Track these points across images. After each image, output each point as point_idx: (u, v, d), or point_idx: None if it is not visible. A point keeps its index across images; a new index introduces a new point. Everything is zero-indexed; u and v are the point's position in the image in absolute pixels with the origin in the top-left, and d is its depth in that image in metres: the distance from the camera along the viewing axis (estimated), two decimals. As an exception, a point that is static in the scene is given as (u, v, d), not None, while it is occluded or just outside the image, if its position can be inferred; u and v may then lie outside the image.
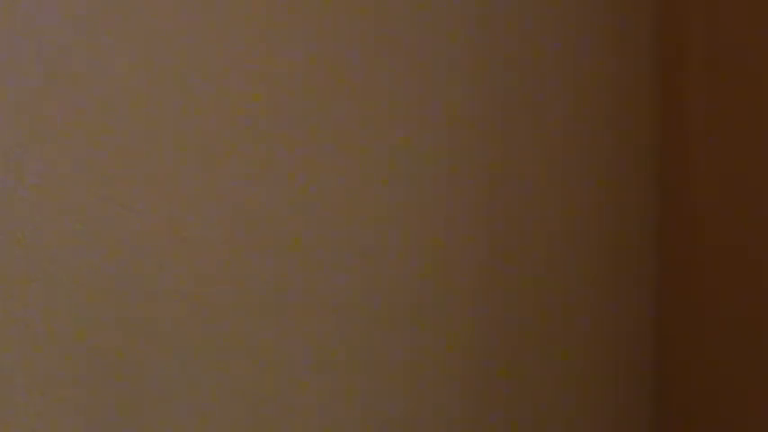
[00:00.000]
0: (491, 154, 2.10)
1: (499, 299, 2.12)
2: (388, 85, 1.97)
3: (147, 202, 1.71)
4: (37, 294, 1.61)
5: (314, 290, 1.89)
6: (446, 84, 2.04)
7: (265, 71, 1.82)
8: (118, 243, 1.68)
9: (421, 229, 2.01)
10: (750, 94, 2.22)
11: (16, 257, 1.59)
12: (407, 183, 1.99)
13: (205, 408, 1.77)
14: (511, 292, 2.14)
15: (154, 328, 1.71)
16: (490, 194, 2.10)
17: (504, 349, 2.13)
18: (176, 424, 1.74)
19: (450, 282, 2.05)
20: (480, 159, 2.08)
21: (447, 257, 2.05)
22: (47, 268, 1.61)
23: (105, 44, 1.66)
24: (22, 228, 1.59)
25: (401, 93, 1.98)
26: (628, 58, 2.31)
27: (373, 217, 1.95)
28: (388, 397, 1.98)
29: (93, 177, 1.65)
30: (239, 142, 1.80)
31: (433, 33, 2.02)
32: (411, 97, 2.00)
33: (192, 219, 1.75)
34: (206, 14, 1.76)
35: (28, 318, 1.60)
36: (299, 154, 1.86)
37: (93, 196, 1.66)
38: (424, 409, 2.02)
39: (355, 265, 1.93)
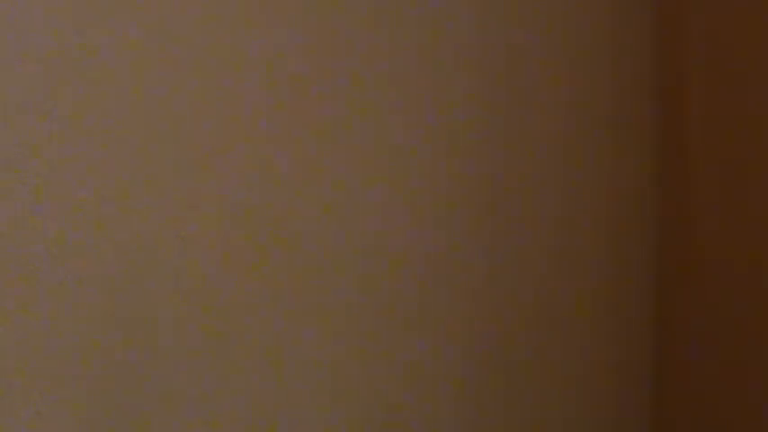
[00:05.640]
0: (492, 154, 2.10)
1: (499, 299, 2.12)
2: (389, 85, 1.97)
3: (147, 202, 1.71)
4: (37, 294, 1.61)
5: (314, 289, 1.89)
6: (447, 85, 2.04)
7: (265, 72, 1.82)
8: (118, 243, 1.68)
9: (421, 229, 2.01)
10: (750, 94, 2.22)
11: (16, 257, 1.59)
12: (408, 183, 1.99)
13: (205, 407, 1.77)
14: (511, 293, 2.14)
15: (154, 328, 1.71)
16: (490, 194, 2.10)
17: (504, 349, 2.13)
18: (176, 424, 1.74)
19: (450, 282, 2.05)
20: (481, 160, 2.08)
21: (447, 258, 2.05)
22: (47, 268, 1.61)
23: (104, 44, 1.66)
24: (22, 228, 1.59)
25: (402, 93, 1.98)
26: (628, 58, 2.31)
27: (373, 217, 1.95)
28: (388, 396, 1.98)
29: (93, 177, 1.65)
30: (239, 142, 1.80)
31: (435, 33, 2.02)
32: (412, 98, 2.00)
33: (192, 219, 1.75)
34: (206, 15, 1.76)
35: (28, 317, 1.60)
36: (299, 153, 1.86)
37: (94, 196, 1.66)
38: (424, 407, 2.02)
39: (355, 265, 1.93)
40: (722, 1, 2.25)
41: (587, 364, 2.25)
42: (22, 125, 1.59)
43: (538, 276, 2.17)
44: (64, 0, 1.63)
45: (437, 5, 2.02)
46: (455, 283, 2.06)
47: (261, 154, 1.82)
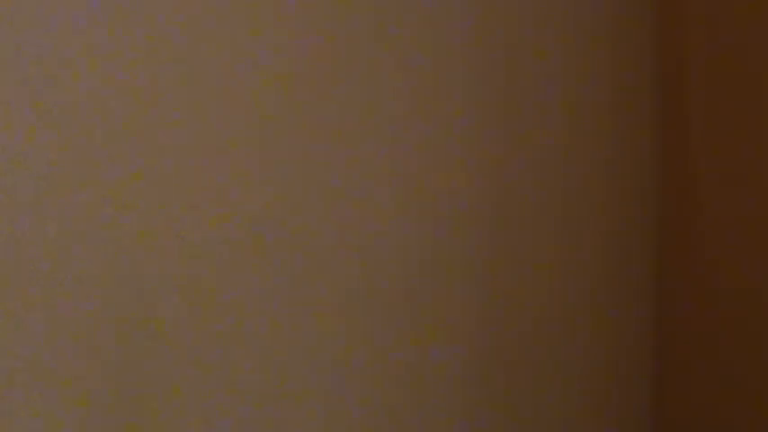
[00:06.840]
0: (491, 153, 2.10)
1: (499, 299, 2.12)
2: (388, 85, 1.97)
3: (147, 202, 1.71)
4: (37, 294, 1.61)
5: (314, 289, 1.89)
6: (447, 84, 2.04)
7: (266, 73, 1.82)
8: (118, 243, 1.68)
9: (421, 229, 2.01)
10: (750, 94, 2.22)
11: (16, 257, 1.59)
12: (408, 183, 1.99)
13: (205, 407, 1.77)
14: (511, 293, 2.14)
15: (154, 328, 1.71)
16: (490, 194, 2.10)
17: (504, 349, 2.13)
18: (176, 423, 1.74)
19: (450, 282, 2.05)
20: (480, 158, 2.08)
21: (447, 257, 2.04)
22: (47, 268, 1.61)
23: (105, 44, 1.66)
24: (22, 228, 1.59)
25: (402, 93, 1.98)
26: (628, 58, 2.31)
27: (373, 216, 1.95)
28: (389, 396, 1.98)
29: (93, 177, 1.65)
30: (239, 142, 1.80)
31: (435, 33, 2.02)
32: (412, 97, 2.00)
33: (192, 219, 1.75)
34: (207, 16, 1.76)
35: (28, 318, 1.60)
36: (299, 153, 1.86)
37: (93, 196, 1.66)
38: (423, 407, 2.02)
39: (356, 265, 1.93)
40: (722, 2, 2.25)
41: (587, 364, 2.25)
42: (22, 125, 1.59)
43: (538, 276, 2.17)
44: (63, 0, 1.63)
45: (438, 6, 2.02)
46: (455, 283, 2.06)
47: (261, 154, 1.82)
